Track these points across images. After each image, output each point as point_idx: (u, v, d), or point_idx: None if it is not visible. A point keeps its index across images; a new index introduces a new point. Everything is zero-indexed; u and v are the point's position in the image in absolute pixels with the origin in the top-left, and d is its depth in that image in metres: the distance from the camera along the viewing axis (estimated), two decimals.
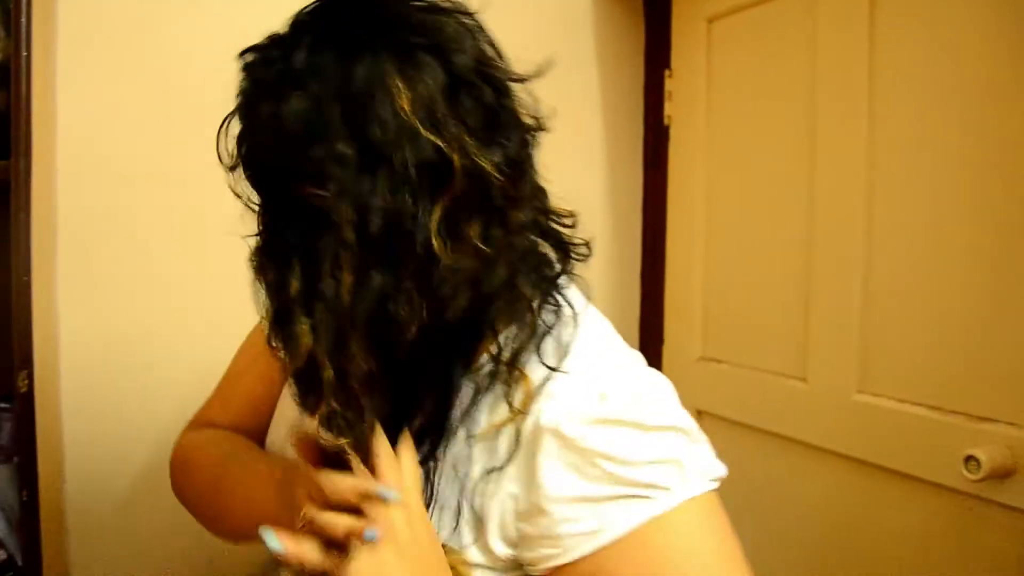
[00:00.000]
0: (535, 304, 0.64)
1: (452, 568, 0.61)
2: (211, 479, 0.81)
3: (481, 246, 0.57)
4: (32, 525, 1.00)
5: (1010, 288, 1.13)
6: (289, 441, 0.66)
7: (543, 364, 0.63)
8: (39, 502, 1.00)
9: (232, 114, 0.65)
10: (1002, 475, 1.11)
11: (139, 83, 1.33)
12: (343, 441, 0.57)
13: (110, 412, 1.33)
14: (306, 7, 0.64)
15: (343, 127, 0.55)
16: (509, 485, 0.62)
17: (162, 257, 1.36)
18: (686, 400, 0.66)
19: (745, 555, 0.60)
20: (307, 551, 0.55)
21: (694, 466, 0.60)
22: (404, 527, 0.56)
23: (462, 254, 0.57)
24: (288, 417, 0.81)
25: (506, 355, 0.62)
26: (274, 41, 0.63)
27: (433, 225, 0.55)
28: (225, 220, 1.37)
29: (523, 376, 0.62)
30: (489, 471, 0.62)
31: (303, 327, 0.56)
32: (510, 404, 0.62)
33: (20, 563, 1.01)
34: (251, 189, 0.64)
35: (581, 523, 0.58)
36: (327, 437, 0.57)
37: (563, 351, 0.64)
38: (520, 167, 0.61)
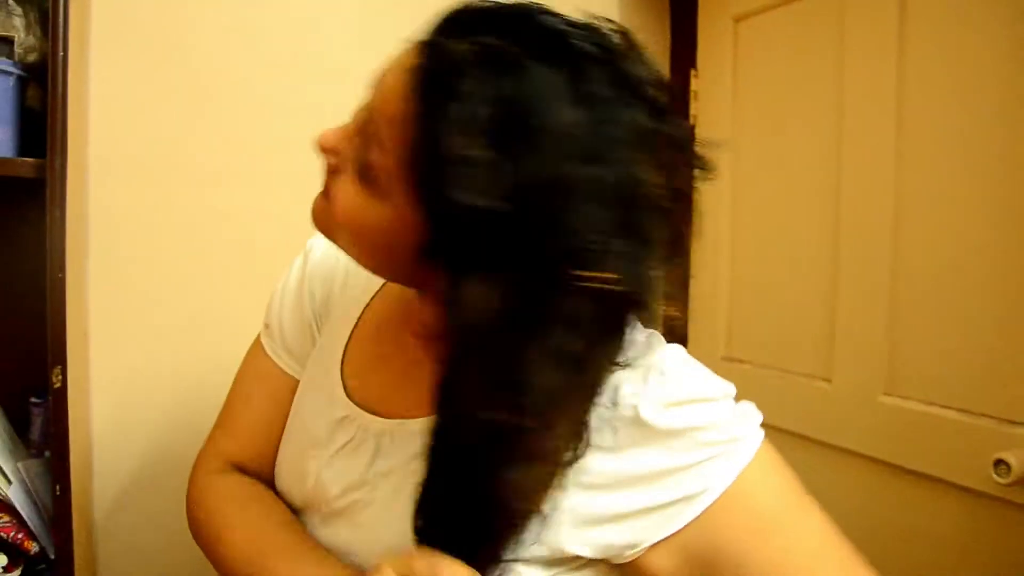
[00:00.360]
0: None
1: None
2: (246, 559, 0.74)
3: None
4: (64, 519, 1.00)
5: None
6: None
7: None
8: (71, 497, 1.01)
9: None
10: None
11: (170, 82, 1.34)
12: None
13: (138, 408, 1.35)
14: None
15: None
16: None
17: (191, 254, 1.38)
18: None
19: None
20: None
21: (752, 414, 0.65)
22: None
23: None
24: (305, 434, 0.79)
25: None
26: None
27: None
28: (254, 218, 1.39)
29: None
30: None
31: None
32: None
33: (52, 556, 1.02)
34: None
35: (683, 487, 0.60)
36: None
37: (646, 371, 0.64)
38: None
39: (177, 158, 1.35)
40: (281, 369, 0.86)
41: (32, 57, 1.01)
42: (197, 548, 0.81)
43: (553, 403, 0.55)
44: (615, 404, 0.62)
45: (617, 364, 0.61)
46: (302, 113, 1.45)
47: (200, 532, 0.80)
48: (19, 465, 1.04)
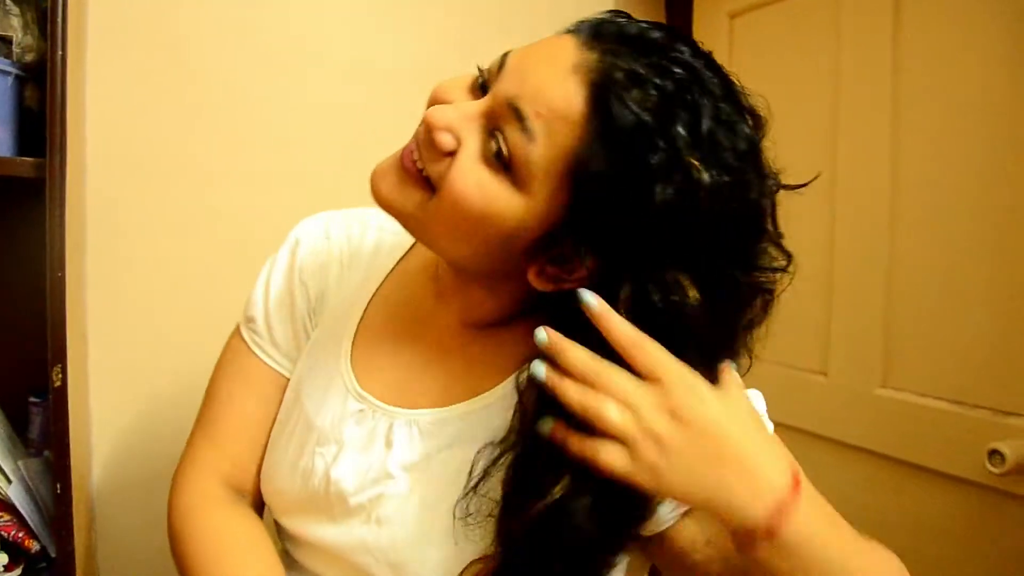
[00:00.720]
0: None
1: None
2: None
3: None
4: (65, 518, 1.00)
5: None
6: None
7: None
8: (72, 495, 1.01)
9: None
10: None
11: (167, 81, 1.34)
12: None
13: (137, 406, 1.35)
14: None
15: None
16: None
17: (189, 253, 1.38)
18: None
19: None
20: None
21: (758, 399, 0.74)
22: None
23: None
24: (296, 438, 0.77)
25: None
26: None
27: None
28: (252, 216, 1.39)
29: None
30: None
31: None
32: None
33: (53, 555, 1.02)
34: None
35: None
36: None
37: None
38: None
39: (174, 157, 1.35)
40: (268, 366, 0.83)
41: (30, 57, 1.00)
42: None
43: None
44: None
45: None
46: (299, 112, 1.45)
47: (182, 567, 0.74)
48: (19, 464, 1.04)
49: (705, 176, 0.56)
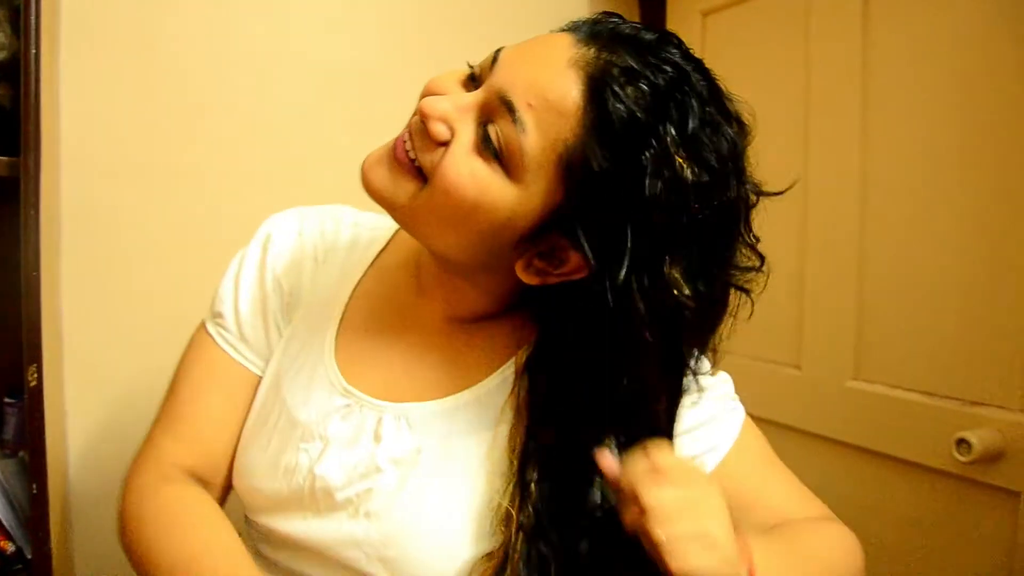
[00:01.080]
0: None
1: None
2: None
3: None
4: (41, 518, 1.00)
5: (1000, 276, 1.16)
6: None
7: None
8: (48, 496, 1.00)
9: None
10: (992, 457, 1.14)
11: (141, 79, 1.33)
12: None
13: (113, 406, 1.34)
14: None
15: None
16: None
17: (164, 252, 1.37)
18: None
19: None
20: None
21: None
22: None
23: None
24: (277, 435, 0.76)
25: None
26: None
27: None
28: (227, 216, 1.39)
29: None
30: None
31: None
32: None
33: (29, 556, 1.01)
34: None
35: (700, 443, 0.74)
36: None
37: None
38: None
39: (149, 155, 1.34)
40: (236, 362, 0.81)
41: (2, 55, 0.99)
42: None
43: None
44: None
45: None
46: (274, 111, 1.45)
47: (133, 549, 0.71)
48: None
49: (688, 173, 0.58)
